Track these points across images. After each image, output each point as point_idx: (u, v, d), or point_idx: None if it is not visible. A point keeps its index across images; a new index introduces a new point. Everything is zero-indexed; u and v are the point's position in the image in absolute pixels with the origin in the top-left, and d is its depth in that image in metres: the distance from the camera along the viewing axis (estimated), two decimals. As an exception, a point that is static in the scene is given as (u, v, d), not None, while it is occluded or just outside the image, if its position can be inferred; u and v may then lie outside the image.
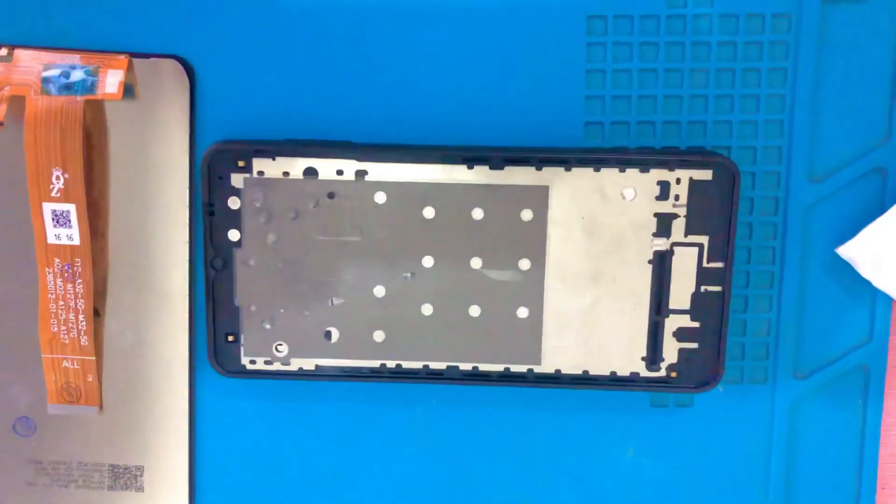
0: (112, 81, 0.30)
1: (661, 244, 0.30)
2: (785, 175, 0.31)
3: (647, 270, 0.31)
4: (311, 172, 0.30)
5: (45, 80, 0.30)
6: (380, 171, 0.30)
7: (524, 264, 0.31)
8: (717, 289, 0.30)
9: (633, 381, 0.31)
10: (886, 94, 0.30)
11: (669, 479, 0.33)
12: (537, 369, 0.31)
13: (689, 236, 0.30)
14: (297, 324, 0.31)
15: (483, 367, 0.32)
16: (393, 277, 0.31)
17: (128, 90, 0.30)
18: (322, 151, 0.30)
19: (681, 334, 0.31)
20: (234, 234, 0.31)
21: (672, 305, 0.31)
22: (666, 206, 0.30)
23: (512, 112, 0.31)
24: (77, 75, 0.30)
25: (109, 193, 0.31)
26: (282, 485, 0.33)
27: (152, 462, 0.33)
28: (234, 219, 0.31)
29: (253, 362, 0.32)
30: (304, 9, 0.30)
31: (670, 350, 0.31)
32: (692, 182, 0.30)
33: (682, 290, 0.31)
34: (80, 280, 0.31)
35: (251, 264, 0.31)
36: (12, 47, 0.30)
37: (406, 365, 0.32)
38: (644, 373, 0.31)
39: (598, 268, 0.31)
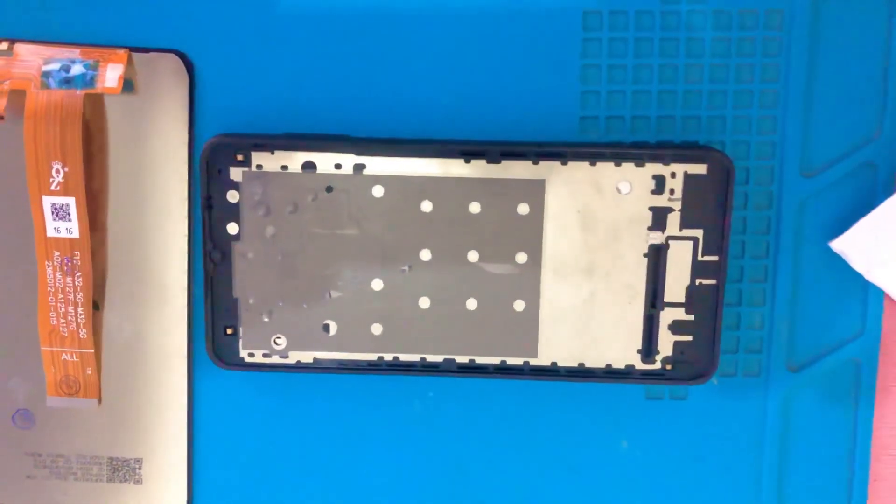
0: (112, 76, 0.30)
1: (657, 238, 0.31)
2: (778, 169, 0.31)
3: (643, 264, 0.31)
4: (309, 166, 0.30)
5: (45, 75, 0.30)
6: (378, 165, 0.30)
7: (521, 258, 0.31)
8: (712, 282, 0.31)
9: (628, 373, 0.32)
10: (878, 89, 0.31)
11: (664, 471, 0.33)
12: (533, 362, 0.32)
13: (684, 230, 0.31)
14: (296, 317, 0.31)
15: (479, 359, 0.32)
16: (390, 271, 0.31)
17: (127, 84, 0.30)
18: (320, 145, 0.30)
19: (676, 327, 0.31)
20: (232, 228, 0.31)
21: (667, 298, 0.31)
22: (661, 200, 0.30)
23: (508, 106, 0.31)
24: (77, 69, 0.30)
25: (109, 187, 0.31)
26: (280, 477, 0.34)
27: (151, 455, 0.33)
28: (233, 212, 0.31)
29: (251, 355, 0.32)
30: (303, 4, 0.31)
31: (665, 343, 0.31)
32: (687, 176, 0.30)
33: (676, 284, 0.31)
34: (79, 273, 0.31)
35: (250, 257, 0.31)
36: (12, 41, 0.31)
37: (403, 358, 0.32)
38: (639, 365, 0.32)
39: (593, 261, 0.31)
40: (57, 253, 0.31)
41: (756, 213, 0.32)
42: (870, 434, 0.33)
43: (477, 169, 0.30)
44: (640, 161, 0.30)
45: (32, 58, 0.30)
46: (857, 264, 0.31)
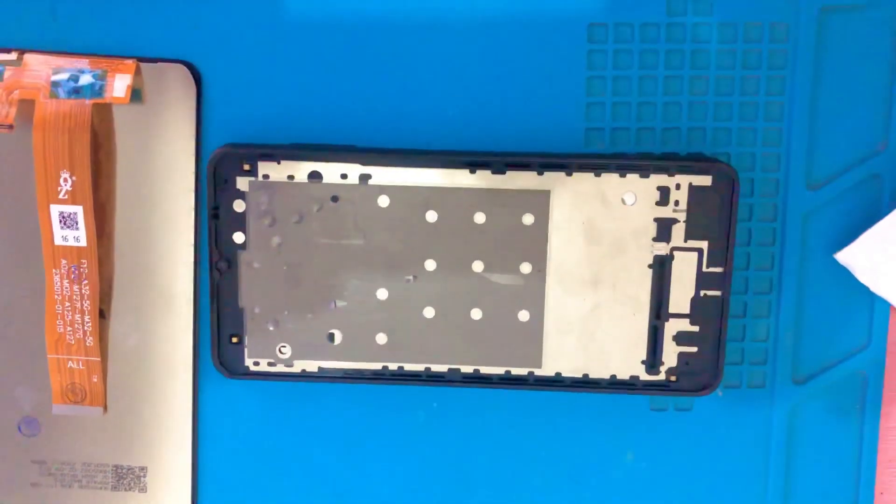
0: (120, 85, 0.30)
1: (661, 249, 0.31)
2: (783, 181, 0.31)
3: (647, 275, 0.31)
4: (315, 176, 0.31)
5: (55, 84, 0.30)
6: (383, 175, 0.31)
7: (525, 268, 0.31)
8: (717, 293, 0.31)
9: (632, 384, 0.32)
10: (883, 101, 0.31)
11: (668, 483, 0.33)
12: (538, 372, 0.32)
13: (689, 241, 0.31)
14: (301, 326, 0.32)
15: (484, 369, 0.32)
16: (395, 280, 0.31)
17: (135, 94, 0.31)
18: (326, 155, 0.30)
19: (680, 338, 0.31)
20: (238, 237, 0.31)
21: (672, 310, 0.31)
22: (666, 212, 0.30)
23: (514, 118, 0.31)
24: (85, 79, 0.30)
25: (116, 196, 0.32)
26: (284, 486, 0.34)
27: (156, 463, 0.33)
28: (239, 222, 0.31)
29: (256, 364, 0.32)
30: (310, 16, 0.31)
31: (670, 354, 0.31)
32: (692, 188, 0.30)
33: (681, 295, 0.31)
34: (86, 281, 0.31)
35: (255, 267, 0.31)
36: (22, 51, 0.31)
37: (408, 367, 0.32)
38: (644, 376, 0.32)
39: (598, 272, 0.31)
40: (64, 261, 0.31)
41: (761, 225, 0.32)
42: (875, 446, 0.33)
43: (482, 179, 0.30)
44: (644, 172, 0.30)
45: (41, 67, 0.30)
46: (863, 276, 0.31)
